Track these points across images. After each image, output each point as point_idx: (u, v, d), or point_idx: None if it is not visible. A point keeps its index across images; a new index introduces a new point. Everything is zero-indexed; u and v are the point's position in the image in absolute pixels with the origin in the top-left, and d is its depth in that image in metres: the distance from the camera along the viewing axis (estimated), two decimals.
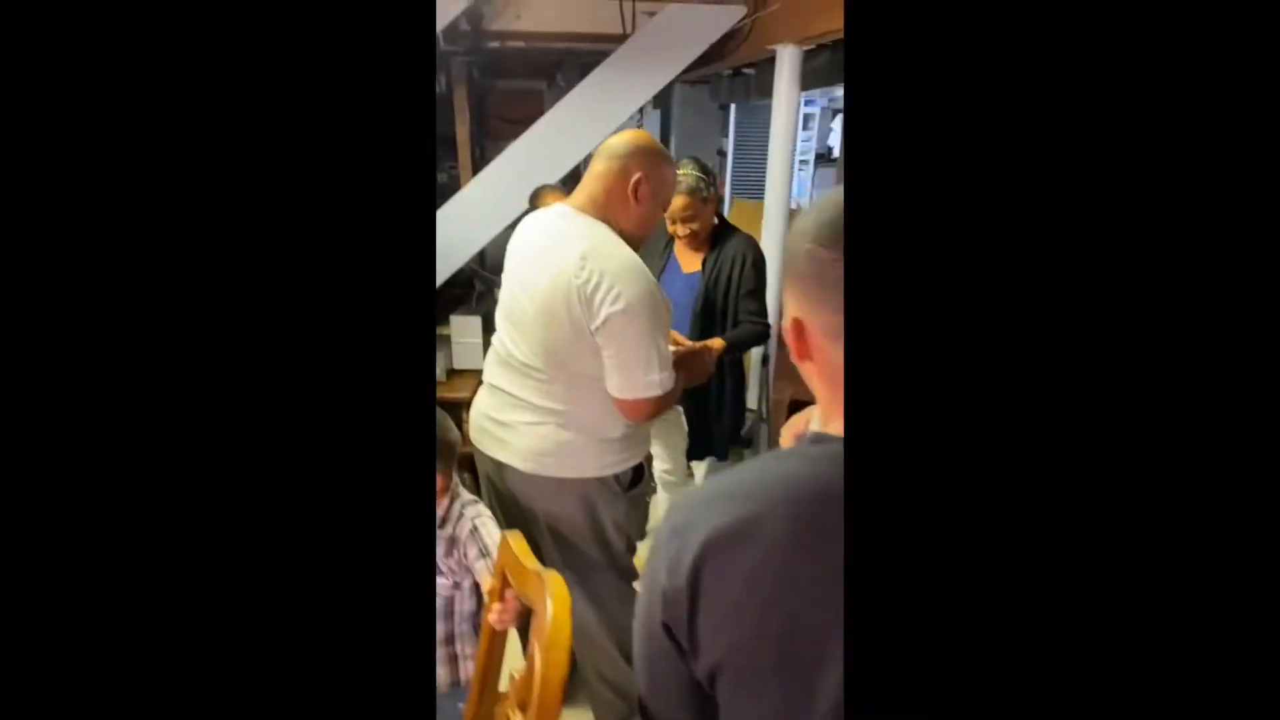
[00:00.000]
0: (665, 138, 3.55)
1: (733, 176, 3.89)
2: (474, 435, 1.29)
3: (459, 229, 2.30)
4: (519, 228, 1.25)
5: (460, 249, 2.32)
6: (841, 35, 1.88)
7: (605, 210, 1.14)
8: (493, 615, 0.98)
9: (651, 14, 2.38)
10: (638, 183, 1.13)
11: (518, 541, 0.91)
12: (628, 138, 1.16)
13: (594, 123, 2.31)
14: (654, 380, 1.11)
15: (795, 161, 3.94)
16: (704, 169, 1.73)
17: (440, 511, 1.15)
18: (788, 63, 2.02)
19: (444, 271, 2.32)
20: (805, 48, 2.00)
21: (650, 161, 1.14)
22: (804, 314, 0.50)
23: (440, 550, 1.15)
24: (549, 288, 1.09)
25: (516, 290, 1.17)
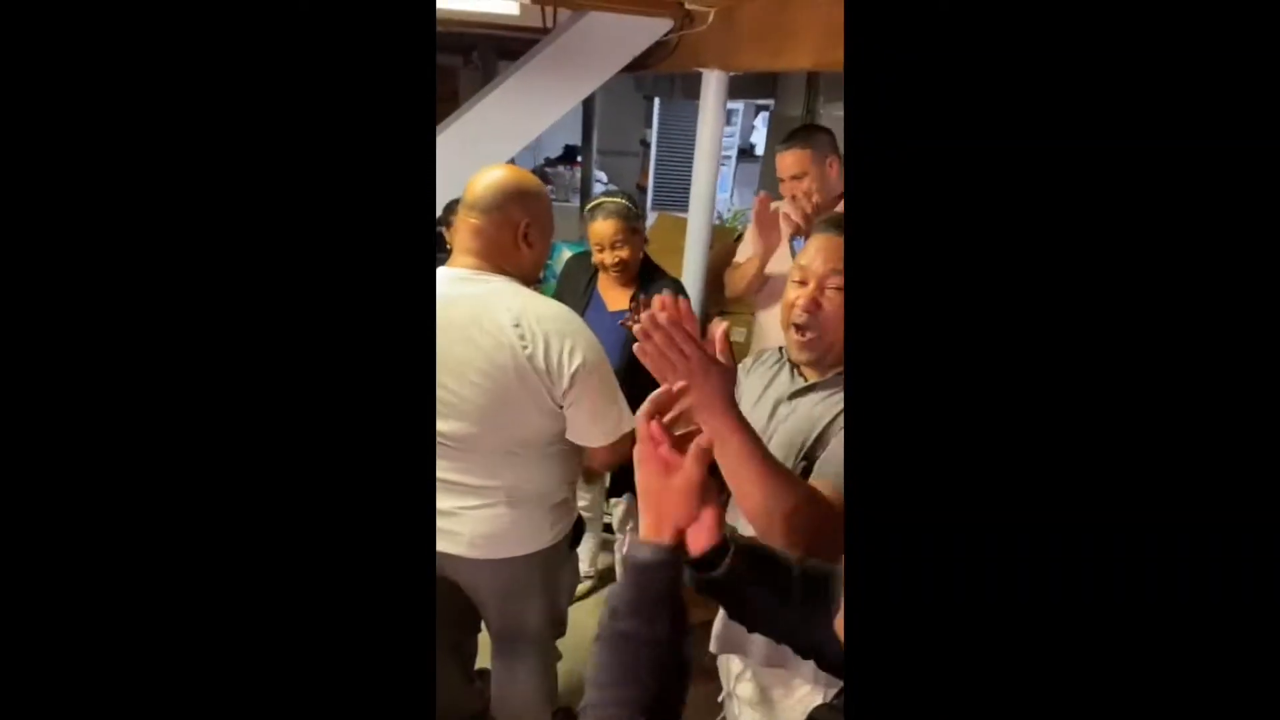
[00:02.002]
0: (587, 127, 3.44)
1: (656, 168, 3.84)
2: None
3: None
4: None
5: None
6: (766, 70, 1.86)
7: (499, 262, 1.08)
8: None
9: (573, 11, 2.26)
10: (527, 229, 1.08)
11: None
12: (498, 183, 1.07)
13: (520, 123, 2.19)
14: (627, 415, 1.10)
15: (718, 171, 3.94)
16: (630, 200, 1.69)
17: None
18: (713, 88, 1.98)
19: None
20: (731, 74, 1.97)
21: (532, 204, 1.09)
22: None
23: None
24: (489, 362, 1.02)
25: (445, 367, 1.06)
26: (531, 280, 1.14)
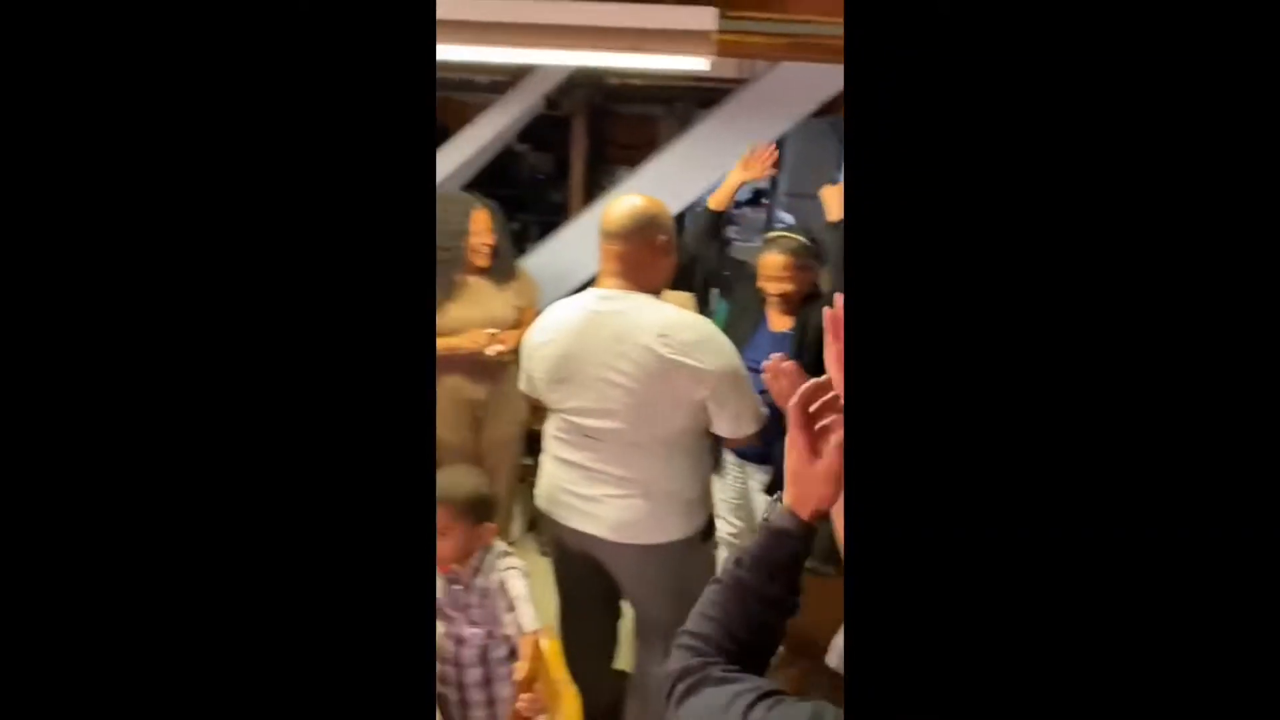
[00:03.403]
0: (778, 168, 3.51)
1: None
2: (548, 506, 1.39)
3: (574, 256, 2.40)
4: (560, 316, 1.32)
5: (574, 273, 2.40)
6: None
7: (640, 281, 1.27)
8: (521, 704, 1.07)
9: (770, 63, 2.37)
10: (665, 242, 1.28)
11: (551, 644, 0.99)
12: (637, 211, 1.26)
13: (709, 164, 2.35)
14: (760, 410, 1.28)
15: None
16: (813, 240, 1.79)
17: (475, 562, 1.27)
18: None
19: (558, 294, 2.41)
20: None
21: (665, 223, 1.30)
22: None
23: (474, 601, 1.27)
24: (639, 368, 1.20)
25: (596, 372, 1.25)
26: (664, 290, 1.34)
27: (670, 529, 1.30)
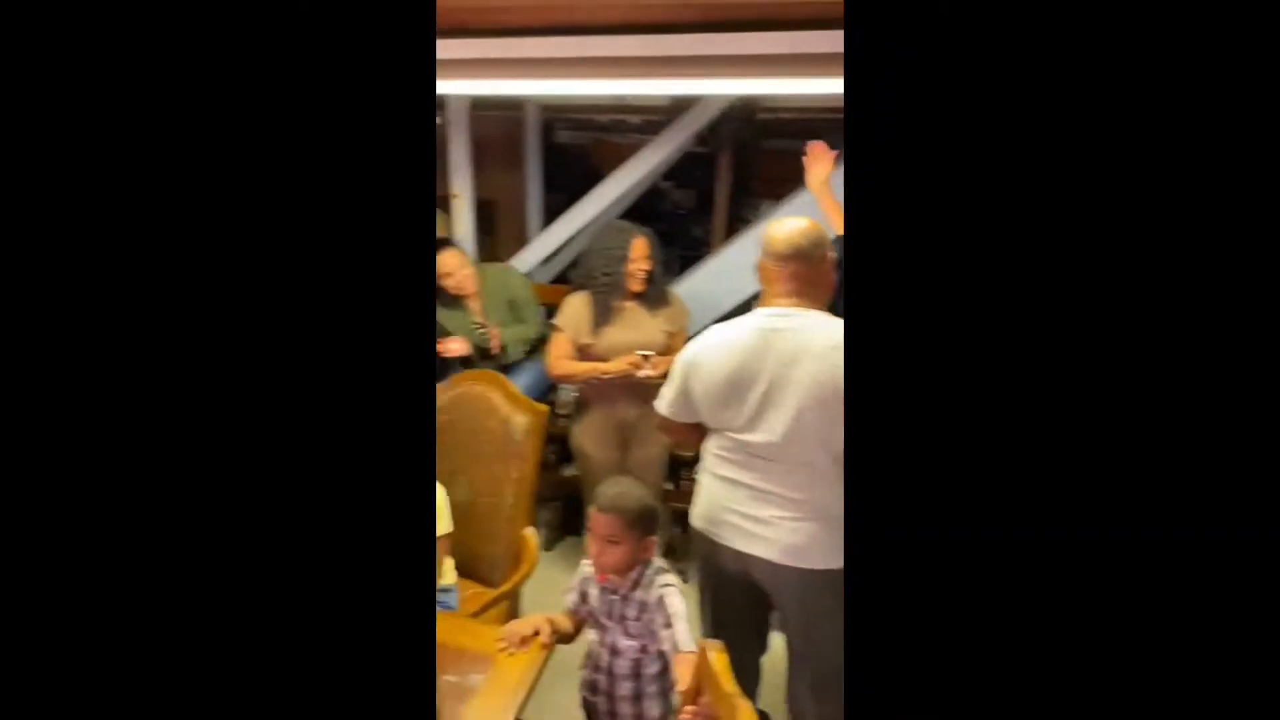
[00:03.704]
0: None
1: None
2: (707, 526, 1.37)
3: (715, 288, 2.44)
4: (727, 336, 1.33)
5: (717, 304, 2.44)
6: None
7: (812, 297, 1.29)
8: (685, 716, 1.07)
9: None
10: (833, 258, 1.32)
11: (719, 657, 0.99)
12: (808, 232, 1.29)
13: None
14: None
15: None
16: None
17: (634, 575, 1.29)
18: None
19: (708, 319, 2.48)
20: None
21: (828, 238, 1.32)
22: None
23: (632, 613, 1.29)
24: (813, 382, 1.20)
25: (769, 390, 1.26)
26: (830, 306, 1.34)
27: (838, 556, 1.26)
